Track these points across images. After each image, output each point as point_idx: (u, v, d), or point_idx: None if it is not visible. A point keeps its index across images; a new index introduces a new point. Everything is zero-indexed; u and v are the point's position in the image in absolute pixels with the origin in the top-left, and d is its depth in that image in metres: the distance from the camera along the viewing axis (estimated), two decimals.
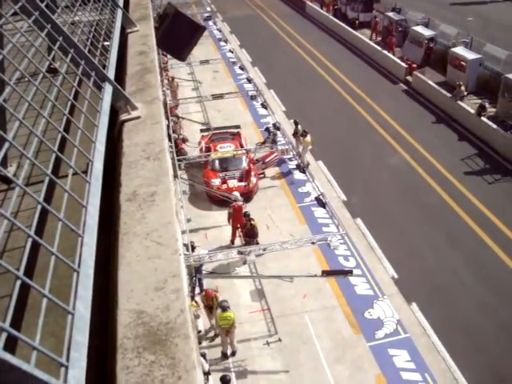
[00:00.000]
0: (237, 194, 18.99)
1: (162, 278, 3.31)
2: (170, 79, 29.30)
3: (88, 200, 3.47)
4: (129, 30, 8.80)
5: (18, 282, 2.38)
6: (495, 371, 14.21)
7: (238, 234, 18.99)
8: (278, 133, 23.45)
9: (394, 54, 35.69)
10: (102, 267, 3.27)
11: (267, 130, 24.35)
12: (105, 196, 3.99)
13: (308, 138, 23.69)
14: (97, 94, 4.98)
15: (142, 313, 3.07)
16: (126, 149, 4.96)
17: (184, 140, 23.85)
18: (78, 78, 4.73)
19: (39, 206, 3.10)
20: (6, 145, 3.18)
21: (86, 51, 5.16)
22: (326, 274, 14.80)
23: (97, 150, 4.00)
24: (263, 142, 24.01)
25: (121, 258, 3.56)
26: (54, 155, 3.65)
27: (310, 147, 23.90)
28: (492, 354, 14.67)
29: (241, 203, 18.50)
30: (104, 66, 5.67)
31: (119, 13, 8.42)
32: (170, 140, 18.76)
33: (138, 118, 5.51)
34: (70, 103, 4.22)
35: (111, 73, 5.65)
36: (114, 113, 5.46)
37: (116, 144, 5.33)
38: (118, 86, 5.57)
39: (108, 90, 5.21)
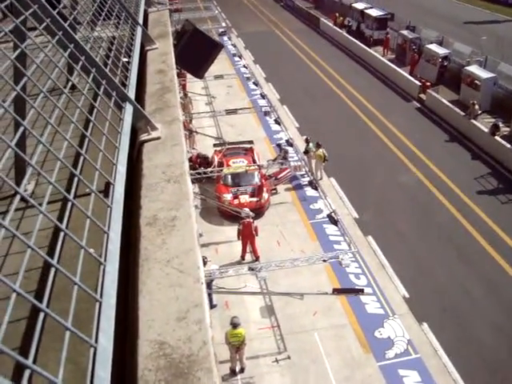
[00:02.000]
0: (247, 210, 18.95)
1: (184, 307, 3.26)
2: (183, 94, 29.44)
3: (110, 225, 3.44)
4: (148, 48, 8.82)
5: (34, 306, 2.34)
6: None
7: (248, 250, 18.93)
8: (291, 149, 23.48)
9: (412, 73, 35.68)
10: (120, 294, 3.21)
11: (279, 146, 24.39)
12: (123, 219, 3.96)
13: (320, 151, 23.70)
14: (117, 115, 4.97)
15: (164, 344, 3.02)
16: (145, 170, 4.93)
17: (200, 157, 23.80)
18: (99, 98, 4.71)
19: (60, 225, 3.06)
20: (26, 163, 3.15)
21: (107, 70, 5.15)
22: (336, 291, 14.76)
23: (118, 173, 3.97)
24: (275, 159, 24.03)
25: (141, 285, 3.51)
26: (73, 174, 3.62)
27: (324, 163, 23.89)
28: (505, 377, 14.50)
29: (251, 220, 18.45)
30: (124, 85, 5.66)
31: (139, 30, 8.45)
32: None
33: (158, 138, 5.48)
34: (91, 123, 4.20)
35: (132, 92, 5.64)
36: (134, 133, 5.44)
37: (135, 165, 5.31)
38: (139, 106, 5.55)
39: (129, 110, 5.19)
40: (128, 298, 3.70)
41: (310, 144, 24.33)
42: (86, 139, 3.90)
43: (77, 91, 4.66)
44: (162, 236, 3.88)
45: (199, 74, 16.69)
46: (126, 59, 6.80)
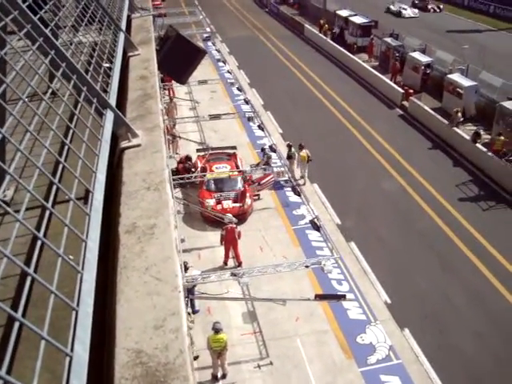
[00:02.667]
0: (230, 215, 18.93)
1: (162, 315, 3.26)
2: (169, 99, 29.38)
3: (88, 234, 3.43)
4: (130, 54, 8.79)
5: (10, 315, 2.33)
6: None
7: (230, 256, 18.90)
8: (274, 155, 23.53)
9: (395, 80, 35.92)
10: (98, 301, 3.20)
11: (262, 150, 24.45)
12: (102, 226, 3.95)
13: (303, 152, 23.96)
14: (98, 121, 4.95)
15: (141, 352, 3.02)
16: (125, 178, 4.92)
17: (188, 158, 23.76)
18: (79, 105, 4.69)
19: (37, 233, 3.05)
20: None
21: (88, 77, 5.13)
22: (318, 297, 14.75)
23: (97, 181, 3.96)
24: (257, 164, 24.09)
25: (119, 293, 3.51)
26: (52, 181, 3.61)
27: (308, 163, 24.13)
28: (484, 383, 14.59)
29: (234, 225, 18.44)
30: (105, 92, 5.64)
31: (121, 36, 8.42)
32: None
33: (139, 145, 5.47)
34: (71, 130, 4.18)
35: (113, 99, 5.62)
36: (114, 139, 5.42)
37: (115, 172, 5.29)
38: (120, 113, 5.54)
39: (109, 117, 5.18)
40: (106, 305, 3.70)
41: (293, 149, 24.42)
42: (66, 146, 3.89)
43: (57, 97, 4.64)
44: (140, 244, 3.88)
45: (182, 79, 16.68)
46: (107, 65, 6.78)
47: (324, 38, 46.46)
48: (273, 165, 22.88)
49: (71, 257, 3.26)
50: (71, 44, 6.08)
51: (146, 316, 3.29)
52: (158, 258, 3.84)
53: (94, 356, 2.85)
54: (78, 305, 2.85)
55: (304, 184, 23.83)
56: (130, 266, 3.78)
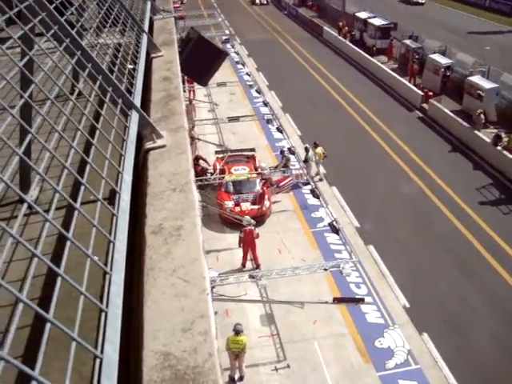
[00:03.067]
0: (248, 217, 18.92)
1: (190, 318, 3.24)
2: (188, 101, 29.46)
3: (115, 234, 3.42)
4: (153, 55, 8.83)
5: (39, 314, 2.32)
6: None
7: (249, 258, 18.90)
8: (293, 157, 23.50)
9: (415, 82, 35.71)
10: (126, 303, 3.20)
11: (282, 152, 24.43)
12: (129, 227, 3.94)
13: (319, 149, 24.24)
14: (123, 122, 4.96)
15: (169, 355, 3.00)
16: (151, 179, 4.92)
17: (197, 159, 23.82)
18: (105, 105, 4.70)
19: (65, 232, 3.05)
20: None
21: (113, 77, 5.15)
22: (337, 301, 14.68)
23: (124, 181, 3.96)
24: (276, 167, 24.08)
25: (146, 295, 3.50)
26: (78, 181, 3.62)
27: (323, 160, 24.48)
28: None
29: (252, 227, 18.42)
30: (130, 92, 5.66)
31: (144, 37, 8.46)
32: None
33: (164, 146, 5.47)
34: (97, 131, 4.19)
35: (137, 99, 5.64)
36: (139, 140, 5.44)
37: (140, 173, 5.30)
38: (144, 114, 5.55)
39: (134, 118, 5.18)
40: (133, 307, 3.69)
41: (310, 152, 24.38)
42: (92, 146, 3.89)
43: (83, 98, 4.66)
44: (167, 245, 3.87)
45: (203, 81, 16.68)
46: (131, 66, 6.80)
47: (343, 40, 46.35)
48: (291, 167, 22.83)
49: (97, 258, 3.25)
50: (96, 45, 6.11)
51: (173, 318, 3.27)
52: (185, 260, 3.82)
53: (122, 358, 2.83)
54: (107, 306, 2.84)
55: (321, 180, 23.74)
56: (156, 268, 3.77)
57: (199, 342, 3.04)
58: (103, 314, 2.77)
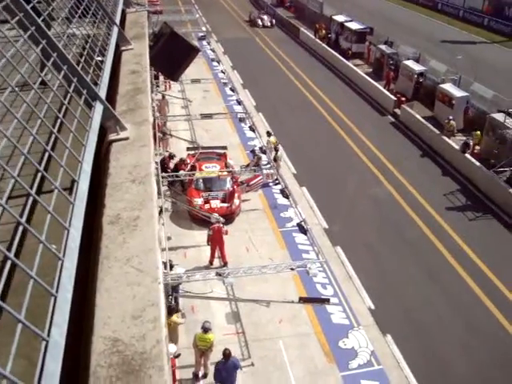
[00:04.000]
0: (217, 215, 18.93)
1: (141, 306, 3.28)
2: (161, 96, 29.32)
3: (71, 222, 3.44)
4: (123, 48, 8.79)
5: None
6: None
7: (216, 256, 18.91)
8: (264, 156, 23.57)
9: (389, 88, 36.06)
10: (79, 290, 3.22)
11: (253, 151, 24.49)
12: (86, 216, 3.96)
13: (272, 138, 25.28)
14: (87, 113, 4.96)
15: (118, 341, 3.03)
16: (112, 170, 4.94)
17: (171, 157, 23.84)
18: (69, 95, 4.69)
19: (21, 220, 3.06)
20: None
21: (79, 68, 5.14)
22: (302, 300, 14.76)
23: (83, 171, 3.97)
24: (247, 165, 24.14)
25: (99, 283, 3.52)
26: (38, 170, 3.62)
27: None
28: None
29: (221, 225, 18.44)
30: (96, 84, 5.65)
31: (115, 30, 8.42)
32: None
33: (127, 139, 5.48)
34: (59, 120, 4.19)
35: (103, 91, 5.64)
36: (103, 132, 5.43)
37: (102, 164, 5.30)
38: (109, 106, 5.55)
39: (98, 109, 5.19)
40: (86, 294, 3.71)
41: (279, 152, 24.50)
42: (53, 136, 3.90)
43: (47, 88, 4.65)
44: (123, 235, 3.90)
45: (174, 76, 16.66)
46: (100, 58, 6.79)
47: (319, 42, 46.60)
48: (262, 167, 22.90)
49: (54, 246, 3.27)
50: (64, 35, 6.07)
51: (124, 306, 3.31)
52: (140, 250, 3.85)
53: (73, 344, 2.86)
54: (57, 291, 2.86)
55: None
56: (111, 257, 3.80)
57: (148, 329, 3.08)
58: (52, 299, 2.79)
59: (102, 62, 6.63)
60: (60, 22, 6.07)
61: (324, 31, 47.94)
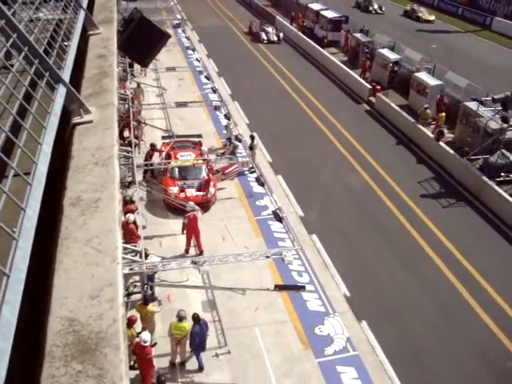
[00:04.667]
0: (192, 203, 18.86)
1: (98, 286, 3.25)
2: (136, 84, 29.03)
3: (27, 203, 3.38)
4: (90, 32, 8.67)
5: None
6: None
7: (192, 244, 18.87)
8: (240, 145, 23.52)
9: (364, 76, 36.14)
10: (39, 272, 3.17)
11: (229, 139, 24.43)
12: (50, 200, 3.90)
13: (231, 121, 24.78)
14: (49, 95, 4.87)
15: (74, 321, 3.00)
16: (74, 152, 4.87)
17: (153, 148, 23.51)
18: (29, 77, 4.60)
19: None
20: None
21: (41, 51, 5.05)
22: (278, 288, 14.81)
23: (42, 152, 3.91)
24: (223, 153, 24.11)
25: (58, 264, 3.48)
26: None
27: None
28: (436, 374, 14.91)
29: (196, 213, 18.37)
30: (60, 67, 5.56)
31: (82, 14, 8.29)
32: (130, 145, 18.61)
33: (91, 122, 5.41)
34: (18, 102, 4.11)
35: (66, 74, 5.55)
36: (67, 115, 5.36)
37: (66, 147, 5.23)
38: (72, 89, 5.47)
39: (61, 92, 5.10)
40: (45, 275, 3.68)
41: (255, 141, 24.49)
42: (11, 117, 3.83)
43: (6, 69, 4.56)
44: (84, 216, 3.86)
45: (144, 62, 16.52)
46: (66, 43, 6.68)
47: (295, 30, 46.59)
48: (238, 155, 22.84)
49: (15, 229, 3.21)
50: (28, 19, 5.96)
51: (82, 286, 3.28)
52: (100, 231, 3.82)
53: (30, 324, 2.82)
54: (10, 270, 2.81)
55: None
56: (71, 238, 3.76)
57: (105, 309, 3.05)
58: (5, 278, 2.74)
59: (67, 46, 6.54)
60: (21, 3, 5.96)
61: (301, 20, 47.75)
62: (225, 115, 24.69)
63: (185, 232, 18.69)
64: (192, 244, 18.87)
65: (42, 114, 4.45)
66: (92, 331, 2.92)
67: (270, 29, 46.74)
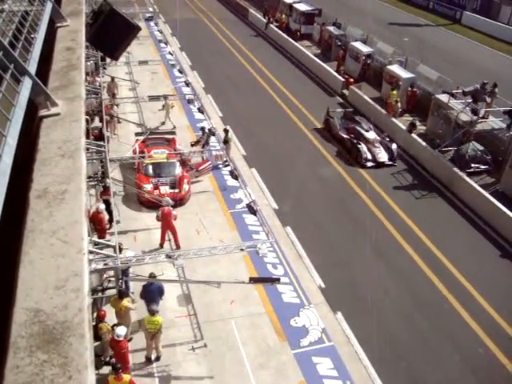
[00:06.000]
0: (167, 198, 18.80)
1: (64, 276, 3.25)
2: (110, 78, 28.68)
3: None
4: (58, 25, 8.59)
5: None
6: (413, 379, 14.72)
7: (167, 238, 18.82)
8: (213, 138, 23.50)
9: (338, 69, 36.20)
10: (5, 265, 3.16)
11: (202, 129, 24.43)
12: (17, 193, 3.88)
13: (170, 102, 26.00)
14: (14, 88, 4.83)
15: (40, 311, 3.01)
16: (41, 145, 4.85)
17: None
18: None
19: None
20: None
21: (5, 42, 4.99)
22: (253, 280, 14.84)
23: (7, 145, 3.87)
24: (196, 142, 24.10)
25: (23, 255, 3.47)
26: None
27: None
28: (410, 362, 15.14)
29: (171, 208, 18.30)
30: (25, 60, 5.50)
31: (49, 5, 8.19)
32: (103, 139, 18.48)
33: (58, 114, 5.38)
34: None
35: (32, 67, 5.50)
36: (34, 108, 5.31)
37: (32, 140, 5.19)
38: (39, 81, 5.42)
39: (27, 85, 5.06)
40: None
41: (229, 134, 24.50)
42: None
43: None
44: (50, 208, 3.85)
45: (114, 55, 16.32)
46: (33, 35, 6.60)
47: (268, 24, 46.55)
48: (211, 148, 22.81)
49: None
50: None
51: (48, 277, 3.28)
52: (66, 222, 3.82)
53: None
54: None
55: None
56: (37, 230, 3.75)
57: (70, 299, 3.06)
58: None
59: (33, 38, 6.46)
60: None
61: (284, 16, 47.21)
62: (198, 109, 24.63)
63: (160, 226, 18.59)
64: (167, 238, 18.81)
65: (7, 107, 4.41)
66: (57, 321, 2.92)
67: (379, 148, 26.31)
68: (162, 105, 26.17)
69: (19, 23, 5.98)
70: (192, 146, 24.36)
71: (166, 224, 18.39)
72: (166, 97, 24.50)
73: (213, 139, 23.95)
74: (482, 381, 14.81)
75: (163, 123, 26.44)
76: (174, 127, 25.92)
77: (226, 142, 23.88)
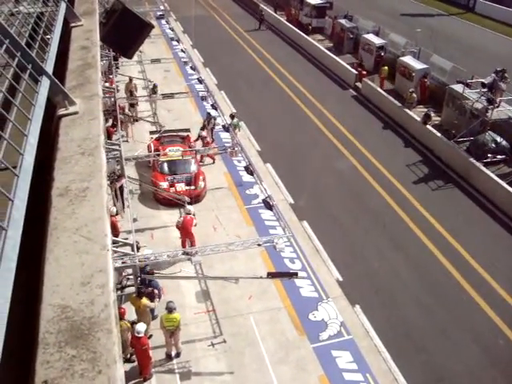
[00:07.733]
0: (190, 207, 18.67)
1: (89, 273, 3.28)
2: (128, 79, 28.66)
3: (15, 194, 3.39)
4: (73, 24, 8.64)
5: None
6: (433, 371, 14.62)
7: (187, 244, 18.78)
8: (227, 134, 23.55)
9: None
10: (30, 262, 3.19)
11: (208, 114, 24.57)
12: (39, 191, 3.91)
13: (235, 120, 25.19)
14: (33, 88, 4.87)
15: (66, 307, 3.03)
16: (61, 144, 4.88)
17: None
18: (12, 70, 4.59)
19: None
20: None
21: (23, 43, 5.03)
22: (271, 275, 14.84)
23: (29, 144, 3.92)
24: (203, 127, 24.28)
25: (48, 253, 3.50)
26: None
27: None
28: (430, 354, 15.07)
29: (193, 216, 18.21)
30: (43, 60, 5.54)
31: (63, 6, 8.25)
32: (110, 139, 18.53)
33: (76, 113, 5.42)
34: (2, 95, 4.10)
35: (49, 66, 5.54)
36: (53, 107, 5.35)
37: (52, 139, 5.23)
38: (56, 81, 5.47)
39: (45, 84, 5.10)
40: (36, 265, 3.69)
41: (235, 119, 24.58)
42: None
43: None
44: (72, 206, 3.89)
45: (128, 54, 16.35)
46: (48, 36, 6.65)
47: (278, 18, 46.40)
48: (226, 144, 22.83)
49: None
50: (8, 12, 5.93)
51: (73, 273, 3.31)
52: (89, 219, 3.84)
53: (22, 313, 2.84)
54: (0, 260, 2.83)
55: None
56: (60, 227, 3.78)
57: (96, 295, 3.09)
58: None
59: (49, 38, 6.50)
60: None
61: (294, 11, 47.01)
62: (212, 105, 24.64)
63: (180, 232, 18.48)
64: (187, 244, 18.78)
65: (27, 107, 4.45)
66: (84, 317, 2.95)
67: None
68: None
69: (35, 24, 6.04)
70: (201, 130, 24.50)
71: (185, 232, 18.25)
72: (215, 107, 24.18)
73: (226, 135, 23.93)
74: (503, 373, 14.70)
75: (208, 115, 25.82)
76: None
77: (234, 127, 23.90)
